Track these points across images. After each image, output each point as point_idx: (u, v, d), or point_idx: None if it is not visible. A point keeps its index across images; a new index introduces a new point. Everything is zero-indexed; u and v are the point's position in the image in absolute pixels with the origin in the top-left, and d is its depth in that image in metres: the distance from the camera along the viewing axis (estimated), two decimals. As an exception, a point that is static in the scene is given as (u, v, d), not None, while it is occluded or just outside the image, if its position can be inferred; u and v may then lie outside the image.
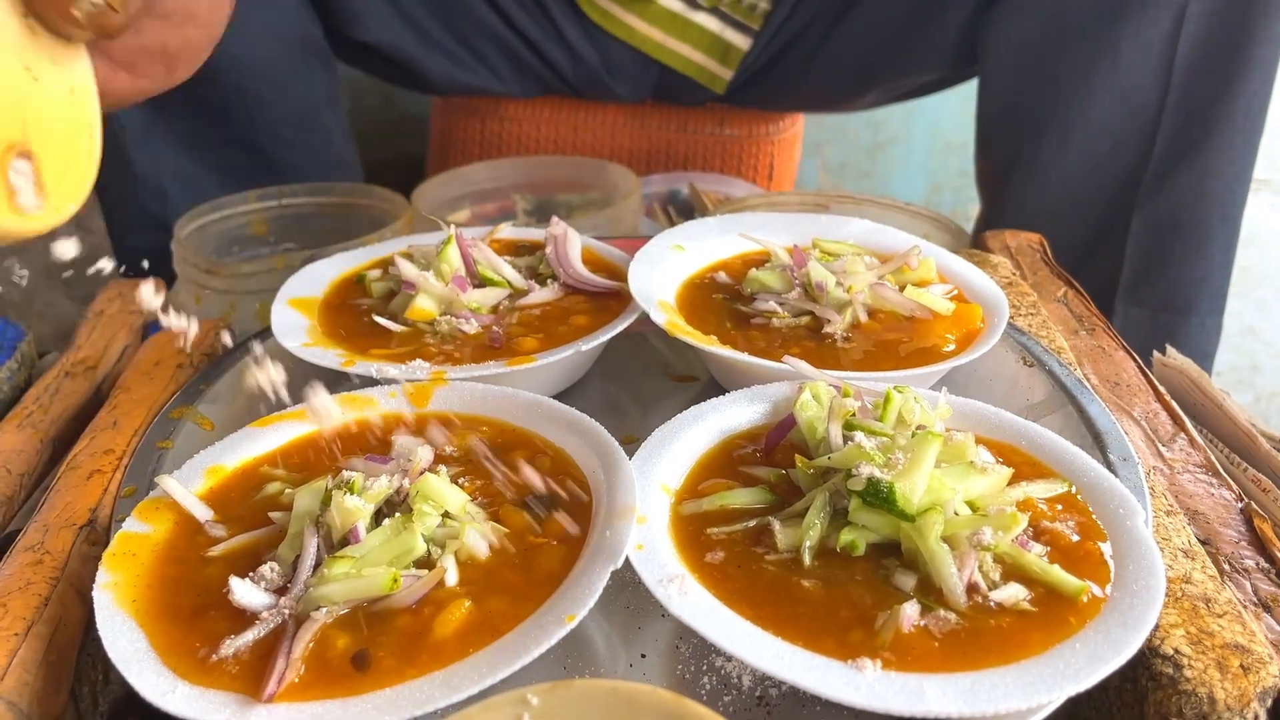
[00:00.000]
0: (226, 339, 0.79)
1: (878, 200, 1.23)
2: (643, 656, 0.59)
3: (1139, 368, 0.86)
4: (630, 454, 0.63)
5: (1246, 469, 0.80)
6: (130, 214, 1.35)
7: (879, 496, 0.55)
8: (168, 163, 1.31)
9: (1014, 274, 0.98)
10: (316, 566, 0.55)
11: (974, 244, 1.30)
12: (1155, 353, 0.95)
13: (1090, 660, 0.50)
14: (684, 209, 1.57)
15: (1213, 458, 0.77)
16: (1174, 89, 1.18)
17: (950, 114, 2.33)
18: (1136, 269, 1.25)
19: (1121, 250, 1.25)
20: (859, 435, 0.59)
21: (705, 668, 0.58)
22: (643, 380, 0.84)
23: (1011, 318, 0.88)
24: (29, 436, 0.82)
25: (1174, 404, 0.82)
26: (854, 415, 0.62)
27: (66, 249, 0.64)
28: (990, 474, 0.59)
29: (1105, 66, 1.20)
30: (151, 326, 1.00)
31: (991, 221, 1.37)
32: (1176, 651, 0.56)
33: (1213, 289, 1.24)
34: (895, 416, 0.63)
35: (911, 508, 0.55)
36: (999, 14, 1.28)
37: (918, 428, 0.63)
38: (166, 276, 1.10)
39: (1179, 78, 1.17)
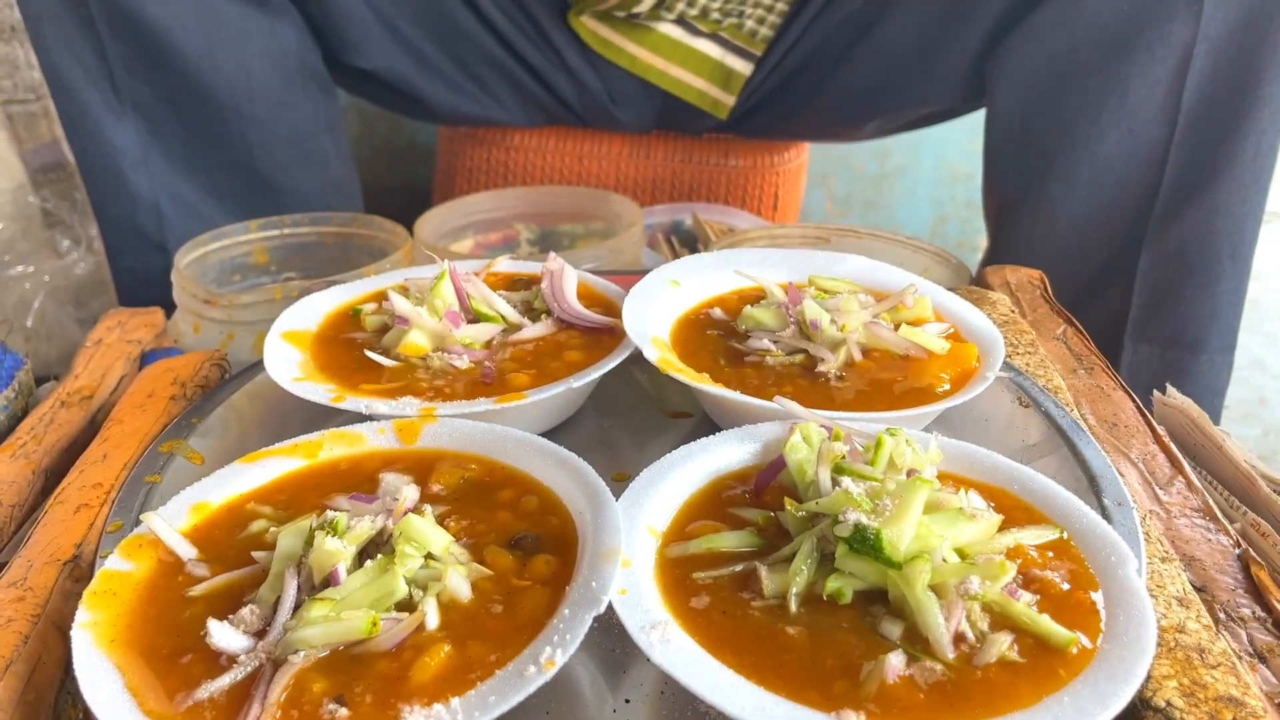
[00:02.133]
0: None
1: (879, 234, 1.23)
2: (627, 702, 0.58)
3: (1137, 408, 0.85)
4: (621, 492, 0.62)
5: (1246, 512, 0.79)
6: (127, 235, 1.35)
7: (866, 543, 0.55)
8: (165, 185, 1.32)
9: (1013, 311, 0.97)
10: (297, 608, 0.54)
11: (977, 279, 1.29)
12: (1155, 392, 0.94)
13: (1078, 715, 0.49)
14: (687, 240, 1.57)
15: (1211, 501, 0.76)
16: (1182, 126, 1.18)
17: (957, 144, 2.33)
18: (1145, 305, 1.24)
19: (1130, 286, 1.24)
20: (847, 480, 0.59)
21: (690, 714, 0.57)
22: (636, 416, 0.84)
23: (1009, 356, 0.87)
24: (21, 467, 0.82)
25: (1172, 446, 0.81)
26: (844, 458, 0.62)
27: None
28: (980, 520, 0.58)
29: (1113, 103, 1.20)
30: (149, 356, 1.00)
31: (998, 255, 1.37)
32: (1169, 704, 0.55)
33: (1223, 326, 1.23)
34: (886, 460, 0.62)
35: (898, 555, 0.54)
36: (1008, 49, 1.28)
37: (909, 472, 0.62)
38: (165, 298, 1.11)
39: (1187, 115, 1.17)
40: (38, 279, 1.67)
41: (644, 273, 0.88)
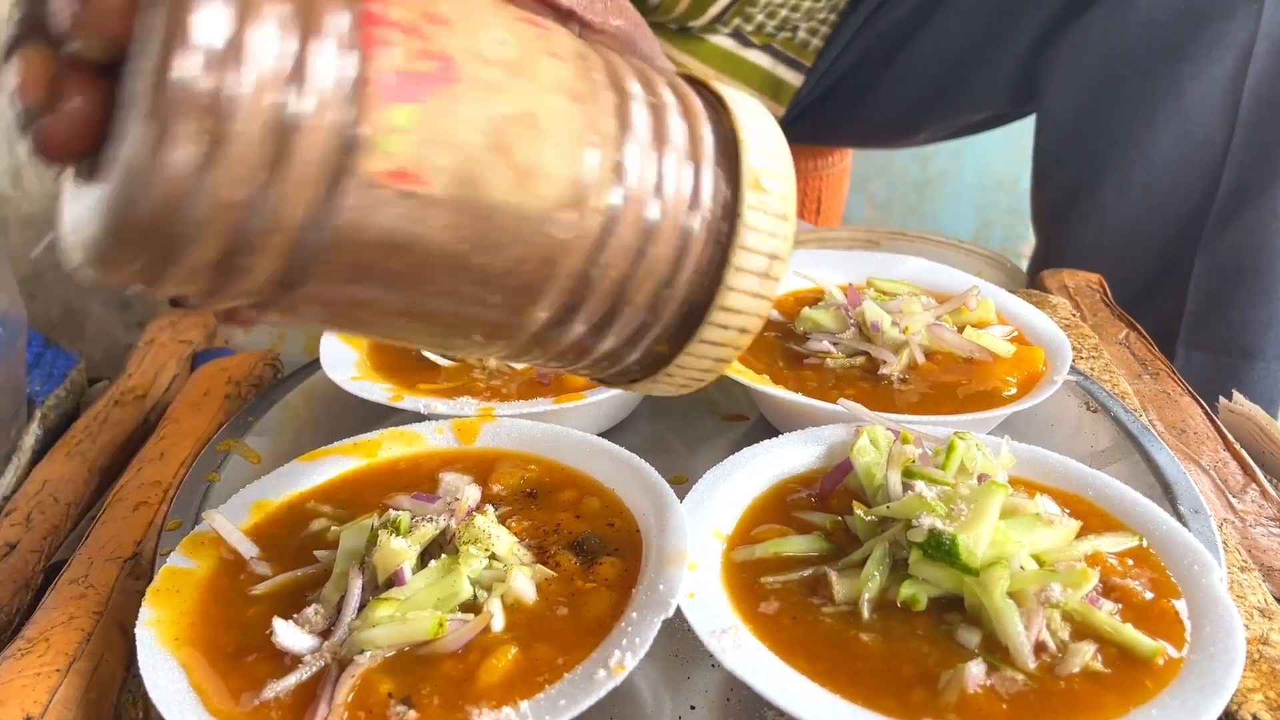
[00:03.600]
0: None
1: (930, 237, 1.21)
2: (692, 709, 0.57)
3: (1205, 414, 0.83)
4: (679, 494, 0.61)
5: (1321, 522, 0.77)
6: None
7: (941, 549, 0.53)
8: None
9: (1074, 315, 0.95)
10: (361, 608, 0.54)
11: (1030, 283, 1.27)
12: (1221, 398, 0.92)
13: (1167, 728, 0.47)
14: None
15: (1286, 511, 0.74)
16: (1240, 128, 1.15)
17: (1000, 150, 2.30)
18: (1198, 311, 1.21)
19: (1183, 292, 1.21)
20: (919, 484, 0.57)
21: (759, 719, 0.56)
22: (691, 418, 0.83)
23: (1073, 361, 0.85)
24: (77, 466, 0.82)
25: (1244, 453, 0.79)
26: (914, 462, 0.60)
27: None
28: (1057, 526, 0.56)
29: (1168, 104, 1.17)
30: (200, 356, 1.00)
31: (1048, 259, 1.34)
32: (1255, 718, 0.54)
33: (1279, 334, 1.20)
34: (958, 465, 0.61)
35: (975, 561, 0.53)
36: (1059, 49, 1.25)
37: (980, 476, 0.61)
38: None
39: (1245, 116, 1.14)
40: (83, 287, 1.68)
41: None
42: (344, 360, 0.77)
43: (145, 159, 0.33)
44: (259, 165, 0.34)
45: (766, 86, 1.55)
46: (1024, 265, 1.46)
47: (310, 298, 0.40)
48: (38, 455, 0.87)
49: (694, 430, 0.82)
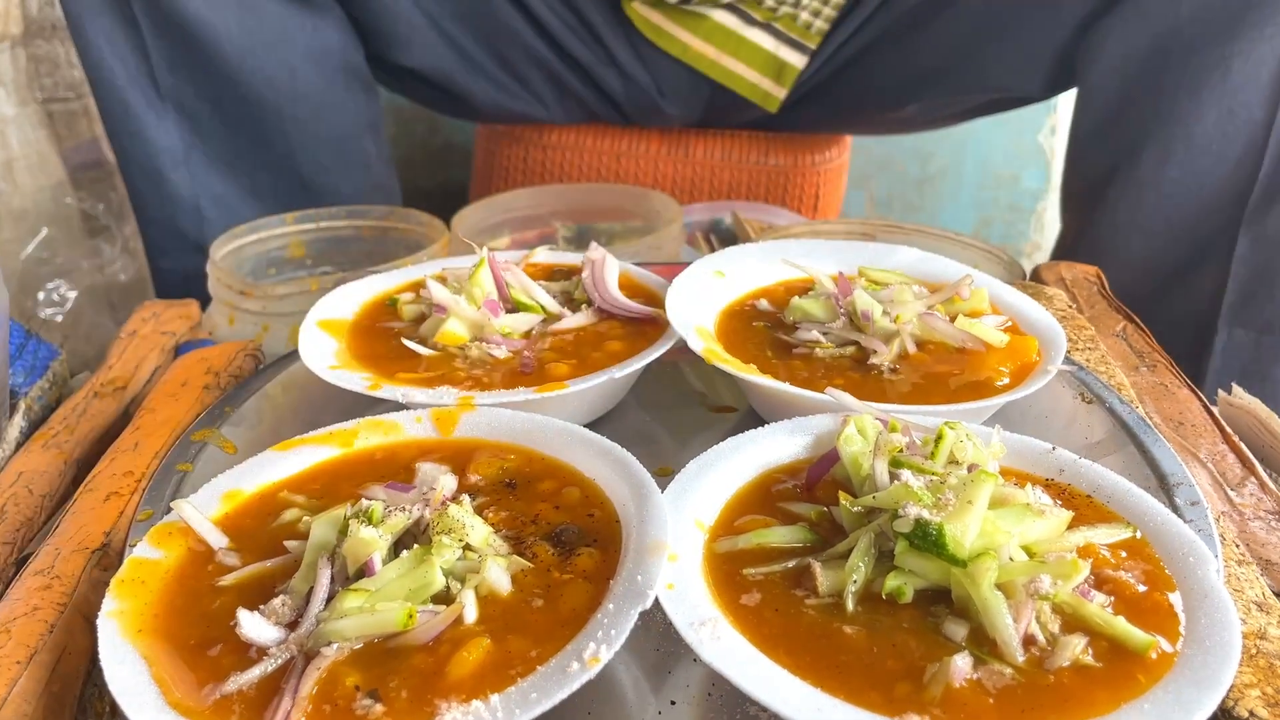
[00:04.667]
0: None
1: (926, 230, 1.19)
2: (672, 704, 0.55)
3: (1204, 407, 0.81)
4: (663, 486, 0.60)
5: (1322, 517, 0.75)
6: (167, 235, 1.35)
7: (927, 540, 0.52)
8: (205, 185, 1.31)
9: (1070, 307, 0.93)
10: (330, 600, 0.52)
11: (1032, 275, 1.25)
12: (1221, 392, 0.90)
13: (1160, 724, 0.46)
14: (726, 238, 1.54)
15: (1286, 504, 0.72)
16: None
17: (1000, 147, 2.28)
18: (1242, 289, 1.19)
19: (1225, 270, 1.19)
20: (906, 473, 0.56)
21: (738, 717, 0.54)
22: (679, 409, 0.81)
23: (1068, 352, 0.84)
24: (53, 457, 0.81)
25: (1242, 446, 0.77)
26: (901, 452, 0.59)
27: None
28: (1049, 517, 0.55)
29: (1214, 81, 1.15)
30: (183, 347, 0.99)
31: (1079, 241, 1.32)
32: (1252, 714, 0.52)
33: None
34: (947, 454, 0.59)
35: (963, 552, 0.51)
36: (1107, 28, 1.23)
37: (970, 466, 0.59)
38: (204, 297, 1.10)
39: None
40: (76, 280, 1.67)
41: (686, 264, 0.85)
42: (323, 350, 0.76)
43: None
44: None
45: (769, 69, 1.53)
46: (1024, 262, 1.44)
47: None
48: (19, 447, 0.85)
49: (682, 422, 0.80)
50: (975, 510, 0.53)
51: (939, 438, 0.59)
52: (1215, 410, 0.82)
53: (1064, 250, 1.34)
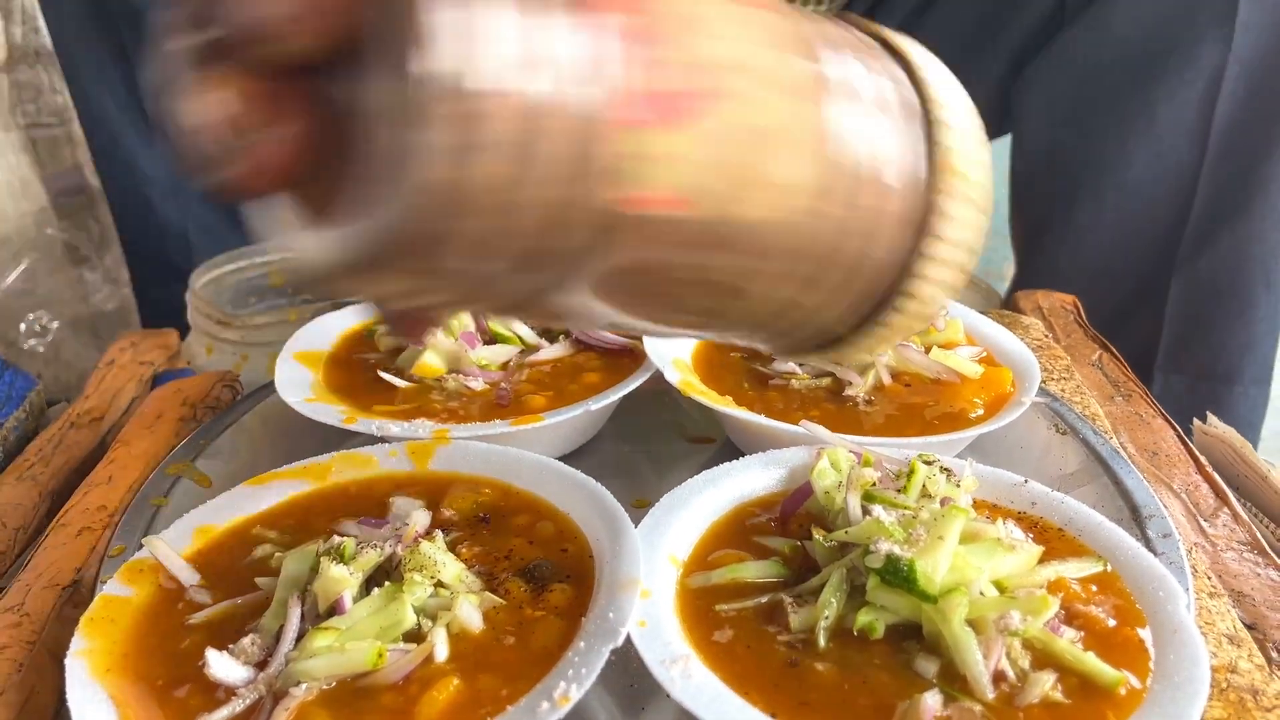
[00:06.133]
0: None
1: (905, 258, 1.20)
2: (646, 739, 0.55)
3: (1179, 437, 0.82)
4: (641, 518, 0.60)
5: (1294, 546, 0.75)
6: (154, 265, 1.35)
7: (899, 575, 0.52)
8: (194, 216, 1.31)
9: (1046, 336, 0.94)
10: (300, 638, 0.52)
11: (1006, 304, 1.26)
12: (1195, 421, 0.91)
13: (1129, 761, 0.46)
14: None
15: (1258, 534, 0.72)
16: (1212, 151, 1.15)
17: (981, 172, 2.30)
18: (1176, 335, 1.20)
19: (1160, 315, 1.20)
20: (878, 509, 0.56)
21: (712, 754, 0.54)
22: (656, 441, 0.81)
23: (1044, 382, 0.84)
24: (27, 489, 0.80)
25: (1216, 476, 0.77)
26: (874, 485, 0.59)
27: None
28: (1019, 552, 0.55)
29: (1141, 127, 1.16)
30: (161, 377, 0.99)
31: (1026, 282, 1.33)
32: (1223, 749, 0.52)
33: (1258, 357, 1.19)
34: (919, 488, 0.59)
35: (933, 588, 0.51)
36: (1034, 71, 1.25)
37: (942, 500, 0.59)
38: (186, 329, 1.09)
39: (1217, 140, 1.14)
40: (59, 310, 1.66)
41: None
42: (299, 382, 0.76)
43: (443, 172, 0.30)
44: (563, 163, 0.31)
45: None
46: (1004, 288, 1.45)
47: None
48: (-6, 479, 0.85)
49: (659, 453, 0.80)
50: (946, 546, 0.53)
51: (911, 472, 0.60)
52: (1189, 440, 0.82)
53: (1016, 288, 1.35)
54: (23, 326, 1.67)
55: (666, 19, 0.34)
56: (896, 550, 0.53)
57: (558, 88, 0.31)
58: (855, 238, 0.39)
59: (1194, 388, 1.21)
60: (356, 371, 0.78)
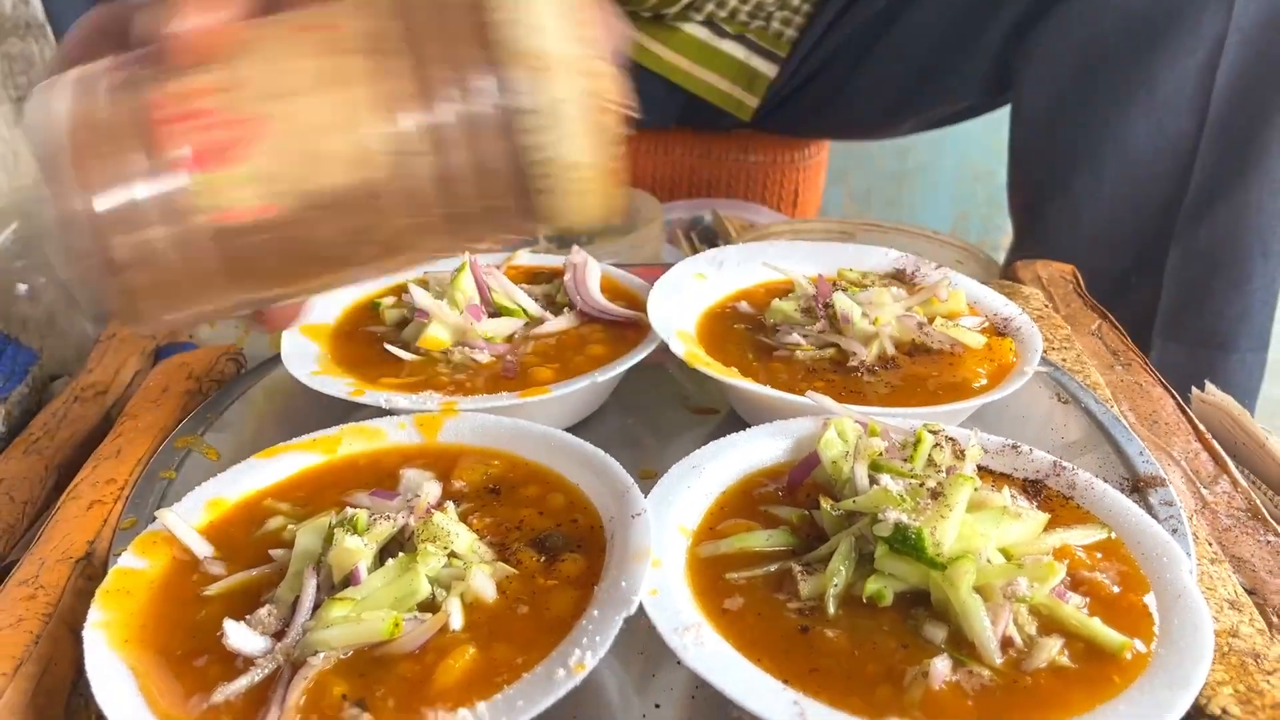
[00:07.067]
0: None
1: (904, 228, 1.21)
2: (657, 707, 0.56)
3: (1178, 405, 0.83)
4: (647, 489, 0.60)
5: (1292, 512, 0.77)
6: None
7: (907, 543, 0.53)
8: None
9: (1046, 306, 0.94)
10: (316, 609, 0.52)
11: (1004, 274, 1.27)
12: (1194, 389, 0.92)
13: (1135, 723, 0.47)
14: (707, 235, 1.54)
15: (1257, 501, 0.73)
16: (1212, 120, 1.15)
17: (978, 142, 2.30)
18: (1174, 303, 1.21)
19: (1158, 284, 1.21)
20: (885, 478, 0.56)
21: (724, 718, 0.55)
22: (661, 412, 0.82)
23: (1045, 352, 0.85)
24: (34, 463, 0.80)
25: (1215, 444, 0.78)
26: (881, 455, 0.59)
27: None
28: (1025, 519, 0.56)
29: (1141, 96, 1.17)
30: (163, 350, 0.99)
31: (1024, 251, 1.34)
32: (1224, 711, 0.53)
33: (1255, 325, 1.20)
34: (925, 458, 0.60)
35: (941, 556, 0.52)
36: (1034, 40, 1.25)
37: (948, 469, 0.60)
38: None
39: (1217, 108, 1.14)
40: (51, 277, 1.66)
41: (668, 266, 0.86)
42: (305, 355, 0.76)
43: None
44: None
45: (741, 77, 1.54)
46: (1001, 257, 1.45)
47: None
48: (1, 453, 0.85)
49: (664, 424, 0.81)
50: (954, 514, 0.53)
51: (917, 441, 0.60)
52: (1189, 408, 0.83)
53: (1014, 258, 1.36)
54: (21, 288, 1.67)
55: (210, 96, 0.48)
56: (904, 519, 0.53)
57: (147, 183, 0.47)
58: (460, 157, 0.49)
59: (1192, 355, 1.22)
60: (362, 344, 0.79)
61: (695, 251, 1.49)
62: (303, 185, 0.48)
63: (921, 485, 0.57)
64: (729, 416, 0.80)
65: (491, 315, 0.79)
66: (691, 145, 1.69)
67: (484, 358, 0.75)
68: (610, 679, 0.58)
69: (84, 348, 1.61)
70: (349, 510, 0.57)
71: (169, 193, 0.47)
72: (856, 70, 1.48)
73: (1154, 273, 1.22)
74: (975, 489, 0.56)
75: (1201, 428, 0.80)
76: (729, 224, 1.52)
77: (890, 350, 0.75)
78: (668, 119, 1.63)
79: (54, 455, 0.82)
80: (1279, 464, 0.81)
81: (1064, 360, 0.84)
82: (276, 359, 0.81)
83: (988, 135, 2.28)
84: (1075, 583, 0.55)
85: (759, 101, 1.55)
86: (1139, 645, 0.51)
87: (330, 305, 0.83)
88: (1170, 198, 1.19)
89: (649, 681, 0.57)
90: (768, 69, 1.52)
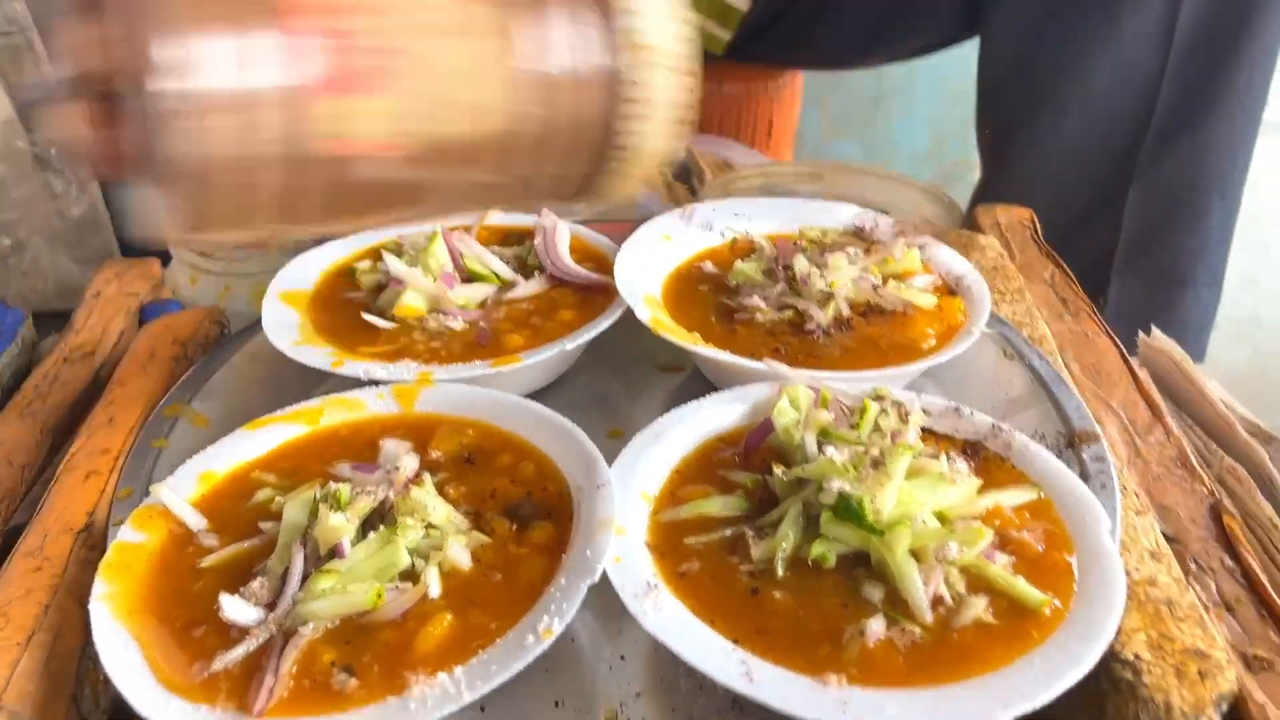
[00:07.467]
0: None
1: (871, 171, 1.23)
2: (622, 659, 0.61)
3: (1121, 355, 0.87)
4: (615, 448, 0.65)
5: (1223, 457, 0.81)
6: (126, 193, 1.35)
7: (849, 511, 0.57)
8: None
9: (1001, 256, 0.98)
10: (304, 579, 0.57)
11: (968, 215, 1.30)
12: (1140, 334, 0.96)
13: (1048, 675, 0.51)
14: (683, 173, 1.57)
15: (1188, 450, 0.78)
16: (1173, 61, 1.17)
17: (955, 64, 2.28)
18: (1133, 240, 1.25)
19: (1119, 221, 1.25)
20: (830, 450, 0.61)
21: (683, 670, 0.59)
22: (630, 368, 0.86)
23: (996, 304, 0.88)
24: (29, 427, 0.84)
25: (1153, 393, 0.83)
26: (830, 425, 0.64)
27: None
28: (960, 485, 0.60)
29: (1105, 35, 1.19)
30: (147, 308, 1.01)
31: (990, 186, 1.37)
32: (1137, 657, 0.58)
33: (1211, 262, 1.24)
34: (871, 425, 0.64)
35: (880, 522, 0.57)
36: None
37: (893, 433, 0.64)
38: (164, 255, 1.11)
39: (1179, 50, 1.16)
40: (32, 222, 1.67)
41: (637, 222, 0.89)
42: (286, 323, 0.79)
43: (187, 149, 0.48)
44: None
45: (713, 11, 1.54)
46: (976, 176, 1.48)
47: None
48: (-3, 416, 0.88)
49: (633, 381, 0.85)
50: (893, 482, 0.58)
51: (863, 410, 0.64)
52: (1132, 358, 0.87)
53: (980, 194, 1.39)
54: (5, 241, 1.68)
55: (355, 15, 0.48)
56: (847, 487, 0.58)
57: (260, 82, 0.47)
58: (563, 125, 0.55)
59: (1149, 290, 1.26)
60: (340, 312, 0.82)
61: (671, 189, 1.52)
62: (429, 129, 0.50)
63: (866, 453, 0.61)
64: (694, 373, 0.84)
65: (465, 280, 0.82)
66: (666, 77, 1.70)
67: (458, 325, 0.78)
68: (581, 631, 0.63)
69: (67, 288, 1.64)
70: (332, 485, 0.60)
71: (291, 108, 0.48)
72: (827, 4, 1.48)
73: (1114, 210, 1.25)
74: (915, 457, 0.60)
75: (1142, 377, 0.84)
76: (703, 161, 1.54)
77: (846, 312, 0.79)
78: None
79: (47, 419, 0.85)
80: (1216, 410, 0.86)
81: (1014, 313, 0.88)
82: (257, 325, 0.84)
83: (964, 57, 2.26)
84: (1004, 542, 0.60)
85: (731, 35, 1.55)
86: (1058, 602, 0.56)
87: (308, 269, 0.86)
88: (1132, 137, 1.22)
89: (615, 636, 0.62)
90: (740, 2, 1.53)
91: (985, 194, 1.38)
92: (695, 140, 1.61)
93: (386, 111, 0.49)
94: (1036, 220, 1.08)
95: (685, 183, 1.54)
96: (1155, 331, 0.96)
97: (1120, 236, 1.25)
